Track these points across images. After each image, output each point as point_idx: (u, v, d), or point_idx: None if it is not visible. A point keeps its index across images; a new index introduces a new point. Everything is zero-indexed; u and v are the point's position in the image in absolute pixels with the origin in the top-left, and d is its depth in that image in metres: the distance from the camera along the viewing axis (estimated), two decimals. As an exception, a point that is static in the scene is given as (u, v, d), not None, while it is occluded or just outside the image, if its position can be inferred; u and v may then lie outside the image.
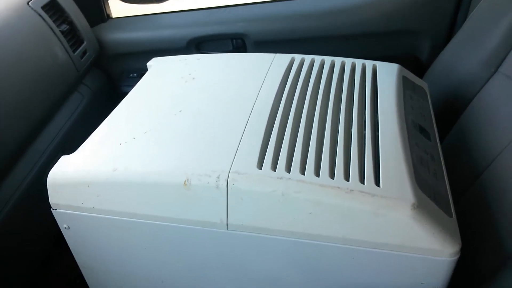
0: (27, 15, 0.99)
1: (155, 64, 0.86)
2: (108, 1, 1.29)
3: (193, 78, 0.77)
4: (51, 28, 1.04)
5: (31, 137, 0.92)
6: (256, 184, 0.54)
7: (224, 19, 1.21)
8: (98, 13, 1.27)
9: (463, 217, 0.59)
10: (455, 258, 0.52)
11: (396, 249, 0.53)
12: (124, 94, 0.77)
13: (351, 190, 0.52)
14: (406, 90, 0.74)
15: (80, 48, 1.13)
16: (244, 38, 1.21)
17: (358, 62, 0.78)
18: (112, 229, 0.62)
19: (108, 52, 1.27)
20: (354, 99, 0.69)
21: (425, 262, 0.52)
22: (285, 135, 0.61)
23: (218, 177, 0.55)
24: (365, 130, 0.63)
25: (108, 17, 1.30)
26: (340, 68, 0.76)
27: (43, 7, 1.04)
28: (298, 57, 0.80)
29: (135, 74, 1.30)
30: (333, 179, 0.54)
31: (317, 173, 0.55)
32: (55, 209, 0.63)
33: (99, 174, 0.59)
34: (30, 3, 1.01)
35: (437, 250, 0.51)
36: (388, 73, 0.76)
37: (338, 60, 0.78)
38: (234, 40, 1.22)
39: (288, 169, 0.55)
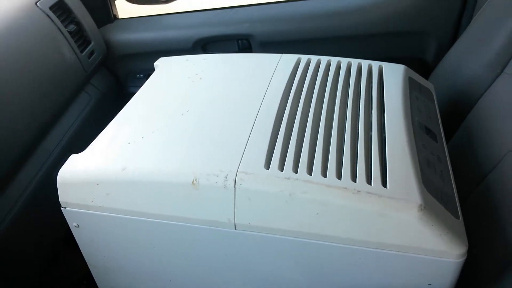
0: (35, 16, 1.00)
1: (162, 64, 0.87)
2: (115, 1, 1.30)
3: (200, 78, 0.78)
4: (58, 29, 1.04)
5: (39, 136, 0.93)
6: (264, 184, 0.55)
7: (230, 20, 1.22)
8: (105, 14, 1.27)
9: (468, 219, 0.59)
10: (462, 259, 0.52)
11: (402, 250, 0.53)
12: (131, 94, 0.78)
13: (358, 191, 0.53)
14: (412, 91, 0.74)
15: (88, 49, 1.14)
16: (250, 39, 1.21)
17: (364, 63, 0.78)
18: (121, 228, 0.63)
19: (115, 53, 1.27)
20: (360, 99, 0.69)
21: (431, 264, 0.53)
22: (292, 136, 0.61)
23: (226, 177, 0.56)
24: (371, 131, 0.63)
25: (115, 17, 1.31)
26: (347, 69, 0.76)
27: (51, 8, 1.05)
28: (304, 58, 0.80)
29: (141, 75, 1.30)
30: (340, 179, 0.54)
31: (324, 174, 0.55)
32: (65, 208, 0.64)
33: (108, 172, 0.59)
34: (38, 3, 1.02)
35: (444, 251, 0.51)
36: (394, 74, 0.76)
37: (344, 61, 0.79)
38: (240, 41, 1.23)
39: (296, 170, 0.56)
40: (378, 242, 0.53)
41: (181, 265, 0.65)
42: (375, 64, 0.78)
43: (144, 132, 0.65)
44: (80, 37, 1.13)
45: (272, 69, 0.77)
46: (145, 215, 0.60)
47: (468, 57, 0.89)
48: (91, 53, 1.15)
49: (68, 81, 1.03)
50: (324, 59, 0.79)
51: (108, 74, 1.29)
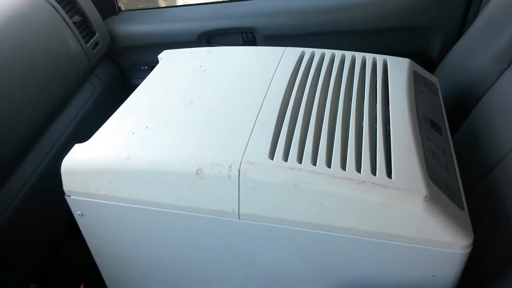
0: (41, 6, 1.00)
1: (166, 56, 0.87)
2: (120, -7, 1.30)
3: (204, 70, 0.78)
4: (64, 19, 1.04)
5: (43, 126, 0.93)
6: (268, 174, 0.54)
7: (235, 13, 1.21)
8: (109, 6, 1.27)
9: (474, 212, 0.59)
10: (467, 251, 0.52)
11: (407, 241, 0.53)
12: (135, 86, 0.78)
13: (363, 182, 0.53)
14: (417, 84, 0.74)
15: (92, 40, 1.14)
16: (254, 32, 1.21)
17: (369, 56, 0.78)
18: (124, 217, 0.63)
19: (119, 45, 1.27)
20: (365, 92, 0.69)
21: (436, 255, 0.53)
22: (297, 127, 0.61)
23: (230, 167, 0.55)
24: (376, 123, 0.63)
25: (120, 9, 1.31)
26: (351, 62, 0.76)
27: (56, -2, 1.05)
28: (308, 51, 0.80)
29: (145, 67, 1.30)
30: (345, 170, 0.54)
31: (328, 164, 0.55)
32: (69, 196, 0.64)
33: (113, 161, 0.59)
34: (43, -6, 1.02)
35: (449, 242, 0.51)
36: (399, 68, 0.76)
37: (348, 54, 0.78)
38: (244, 34, 1.23)
39: (300, 160, 0.56)
40: (382, 232, 0.53)
41: (184, 254, 0.66)
42: (380, 58, 0.78)
43: (148, 122, 0.65)
44: (85, 28, 1.13)
45: (276, 62, 0.77)
46: (149, 204, 0.60)
47: (474, 52, 0.88)
48: (96, 44, 1.15)
49: (72, 72, 1.04)
50: (328, 52, 0.79)
51: (112, 66, 1.29)
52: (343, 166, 0.55)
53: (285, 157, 0.56)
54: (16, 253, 0.82)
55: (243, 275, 0.65)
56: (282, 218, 0.56)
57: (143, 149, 0.60)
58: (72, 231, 0.85)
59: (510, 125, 0.70)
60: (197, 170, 0.56)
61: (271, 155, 0.56)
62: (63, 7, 1.06)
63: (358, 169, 0.54)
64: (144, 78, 0.79)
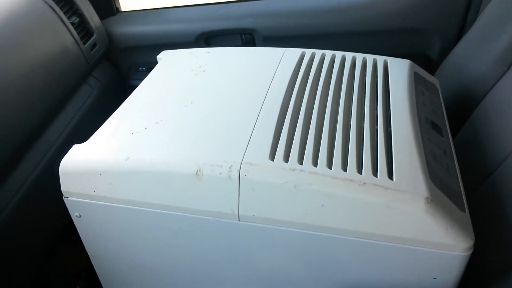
0: (38, 6, 0.99)
1: (165, 57, 0.86)
2: (118, -6, 1.30)
3: (204, 71, 0.77)
4: (61, 20, 1.04)
5: (41, 127, 0.92)
6: (268, 175, 0.54)
7: (234, 14, 1.21)
8: (107, 6, 1.27)
9: (475, 214, 0.59)
10: (468, 253, 0.51)
11: (408, 243, 0.52)
12: (133, 87, 0.77)
13: (364, 183, 0.52)
14: (417, 86, 0.74)
15: (90, 41, 1.13)
16: (254, 34, 1.21)
17: (369, 57, 0.78)
18: (123, 218, 0.62)
19: (117, 45, 1.27)
20: (365, 93, 0.69)
21: (437, 257, 0.52)
22: (297, 127, 0.61)
23: (230, 168, 0.55)
24: (377, 124, 0.62)
25: (118, 10, 1.31)
26: (351, 63, 0.76)
27: (54, -1, 1.04)
28: (308, 52, 0.80)
29: (144, 68, 1.30)
30: (346, 171, 0.54)
31: (329, 165, 0.54)
32: (67, 197, 0.63)
33: (112, 162, 0.59)
34: (41, -6, 1.01)
35: (450, 244, 0.51)
36: (399, 69, 0.76)
37: (349, 55, 0.78)
38: (243, 36, 1.22)
39: (301, 161, 0.55)
40: (383, 234, 0.53)
41: (183, 256, 0.65)
42: (380, 59, 0.78)
43: (147, 123, 0.64)
44: (82, 29, 1.12)
45: (276, 62, 0.77)
46: (148, 206, 0.60)
47: (474, 54, 0.88)
48: (94, 45, 1.15)
49: (70, 73, 1.03)
50: (328, 53, 0.79)
51: (110, 67, 1.28)
52: (344, 167, 0.54)
53: (286, 158, 0.55)
54: (11, 256, 0.82)
55: (242, 277, 0.65)
56: (282, 220, 0.56)
57: (142, 150, 0.59)
58: (68, 234, 0.84)
59: (511, 127, 0.70)
60: (196, 171, 0.56)
61: (272, 156, 0.56)
62: (60, 8, 1.05)
63: (359, 171, 0.54)
64: (142, 79, 0.78)
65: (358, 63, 0.76)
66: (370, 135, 0.60)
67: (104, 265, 0.73)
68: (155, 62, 0.86)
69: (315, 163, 0.55)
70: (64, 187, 0.63)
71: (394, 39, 1.17)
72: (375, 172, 0.54)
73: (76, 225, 0.67)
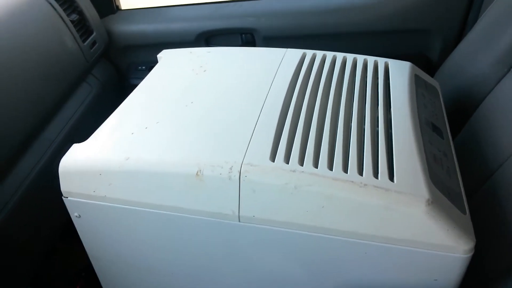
0: (37, 4, 0.99)
1: (165, 56, 0.86)
2: (118, -8, 1.29)
3: (204, 71, 0.77)
4: (61, 17, 1.03)
5: (40, 126, 0.92)
6: (269, 176, 0.54)
7: (234, 13, 1.21)
8: (107, 4, 1.26)
9: (475, 216, 0.59)
10: (469, 255, 0.51)
11: (409, 245, 0.52)
12: (132, 86, 0.77)
13: (365, 185, 0.52)
14: (418, 88, 0.74)
15: (90, 39, 1.13)
16: (254, 33, 1.20)
17: (370, 59, 0.78)
18: (123, 218, 0.62)
19: (117, 44, 1.26)
20: (366, 95, 0.69)
21: (438, 259, 0.52)
22: (298, 129, 0.60)
23: (230, 169, 0.55)
24: (378, 126, 0.62)
25: (118, 8, 1.30)
26: (352, 64, 0.76)
27: (53, -4, 1.04)
28: (309, 53, 0.80)
29: (143, 67, 1.29)
30: (347, 173, 0.54)
31: (330, 167, 0.54)
32: (67, 197, 0.63)
33: (112, 162, 0.59)
34: (41, -9, 1.01)
35: (451, 246, 0.51)
36: (400, 71, 0.76)
37: (350, 57, 0.78)
38: (243, 35, 1.22)
39: (301, 162, 0.55)
40: (384, 236, 0.53)
41: (184, 257, 0.65)
42: (381, 61, 0.78)
43: (147, 123, 0.64)
44: (82, 26, 1.12)
45: (277, 63, 0.76)
46: (148, 206, 0.60)
47: (474, 55, 0.88)
48: (93, 43, 1.14)
49: (69, 71, 1.02)
50: (329, 55, 0.79)
51: (109, 65, 1.28)
52: (345, 168, 0.54)
53: (287, 159, 0.55)
54: (11, 255, 0.81)
55: (242, 278, 0.65)
56: (283, 221, 0.56)
57: (142, 150, 0.59)
58: (68, 234, 0.84)
59: (511, 129, 0.70)
60: (197, 172, 0.55)
61: (272, 157, 0.56)
62: (60, 5, 1.04)
63: (360, 172, 0.54)
64: (141, 78, 0.78)
65: (359, 65, 0.76)
66: (371, 137, 0.60)
67: (104, 265, 0.73)
68: (155, 61, 0.86)
69: (315, 164, 0.55)
70: (64, 187, 0.63)
71: (395, 40, 1.17)
72: (376, 174, 0.54)
73: (75, 225, 0.67)
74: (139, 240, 0.65)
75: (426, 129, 0.64)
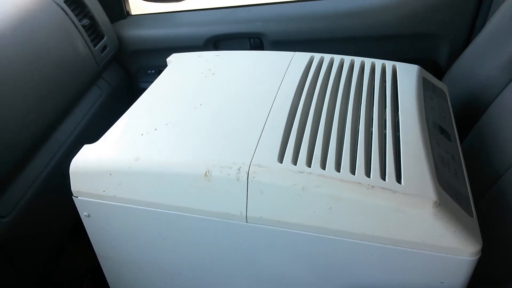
0: (50, 9, 1.01)
1: (175, 60, 0.87)
2: (128, -2, 1.31)
3: (213, 74, 0.78)
4: (73, 22, 1.05)
5: (51, 128, 0.93)
6: (277, 178, 0.54)
7: (242, 18, 1.22)
8: (118, 10, 1.28)
9: (482, 219, 0.59)
10: (476, 257, 0.51)
11: (416, 247, 0.52)
12: (142, 90, 0.78)
13: (372, 186, 0.52)
14: (426, 91, 0.74)
15: (101, 43, 1.14)
16: (262, 38, 1.21)
17: (378, 62, 0.78)
18: (132, 218, 0.63)
19: (127, 48, 1.28)
20: (374, 98, 0.69)
21: (445, 261, 0.52)
22: (306, 131, 0.61)
23: (239, 169, 0.55)
24: (385, 128, 0.63)
25: (128, 14, 1.32)
26: (360, 67, 0.76)
27: (65, 1, 1.06)
28: (317, 56, 0.80)
29: (153, 71, 1.31)
30: (354, 174, 0.54)
31: (338, 169, 0.55)
32: (77, 197, 0.64)
33: (121, 162, 0.59)
34: (53, -3, 1.03)
35: (458, 249, 0.51)
36: (408, 74, 0.76)
37: (357, 60, 0.79)
38: (252, 40, 1.23)
39: (309, 164, 0.55)
40: (391, 238, 0.53)
41: (191, 257, 0.65)
42: (389, 64, 0.78)
43: (157, 124, 0.65)
44: (93, 31, 1.14)
45: (285, 66, 0.77)
46: (157, 206, 0.60)
47: (482, 59, 0.88)
48: (104, 47, 1.16)
49: (80, 75, 1.04)
50: (337, 58, 0.79)
51: (119, 69, 1.29)
52: (353, 170, 0.55)
53: (294, 161, 0.56)
54: (20, 254, 0.82)
55: (249, 279, 0.65)
56: (290, 222, 0.56)
57: (152, 151, 0.60)
58: (75, 235, 0.85)
59: (519, 133, 0.70)
60: (205, 172, 0.56)
61: (280, 159, 0.56)
62: (72, 10, 1.07)
63: (368, 174, 0.54)
64: (151, 82, 0.79)
65: (366, 68, 0.76)
66: (379, 139, 0.60)
67: (112, 265, 0.73)
68: (164, 65, 0.87)
69: (323, 166, 0.55)
70: (74, 186, 0.63)
71: (403, 44, 1.17)
72: (383, 176, 0.54)
73: (84, 225, 0.68)
74: (147, 240, 0.65)
75: (434, 132, 0.64)
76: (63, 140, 0.96)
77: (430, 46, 1.16)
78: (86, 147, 0.64)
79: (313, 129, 0.61)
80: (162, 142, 0.61)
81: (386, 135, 0.61)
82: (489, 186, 0.70)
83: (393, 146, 0.59)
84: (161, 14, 1.32)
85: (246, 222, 0.58)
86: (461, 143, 0.79)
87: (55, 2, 1.03)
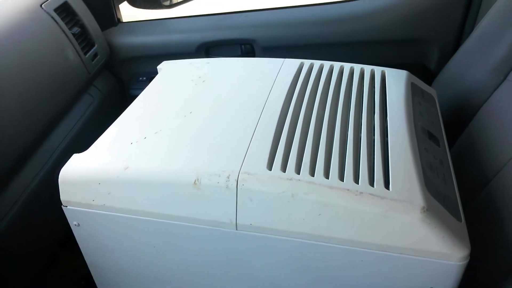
0: (40, 17, 1.00)
1: (165, 67, 0.87)
2: (119, 5, 1.31)
3: (204, 81, 0.78)
4: (63, 31, 1.05)
5: (41, 137, 0.93)
6: (266, 185, 0.54)
7: (234, 24, 1.22)
8: (109, 17, 1.28)
9: (471, 224, 0.59)
10: (464, 262, 0.52)
11: (405, 252, 0.53)
12: (133, 97, 0.78)
13: (361, 193, 0.53)
14: (415, 96, 0.74)
15: (91, 51, 1.14)
16: (253, 44, 1.22)
17: (367, 68, 0.79)
18: (121, 227, 0.63)
19: (118, 56, 1.28)
20: (363, 104, 0.69)
21: (433, 266, 0.52)
22: (295, 137, 0.61)
23: (228, 177, 0.55)
24: (374, 134, 0.63)
25: (119, 21, 1.32)
26: (349, 74, 0.77)
27: (55, 10, 1.06)
28: (307, 62, 0.81)
29: (144, 78, 1.31)
30: (343, 181, 0.54)
31: (326, 175, 0.55)
32: (66, 206, 0.64)
33: (111, 172, 0.59)
34: (43, 5, 1.03)
35: (446, 254, 0.51)
36: (396, 79, 0.76)
37: (347, 66, 0.79)
38: (243, 46, 1.23)
39: (298, 171, 0.56)
40: (380, 244, 0.53)
41: (182, 265, 0.65)
42: (378, 69, 0.78)
43: (146, 133, 0.65)
44: (84, 39, 1.14)
45: (275, 73, 0.77)
46: (147, 215, 0.60)
47: (471, 64, 0.89)
48: (95, 55, 1.16)
49: (71, 83, 1.04)
50: (327, 64, 0.80)
51: (110, 77, 1.29)
52: (341, 177, 0.55)
53: (283, 168, 0.56)
54: (12, 263, 0.82)
55: (240, 286, 0.65)
56: (280, 229, 0.56)
57: (141, 160, 0.60)
58: (68, 243, 0.84)
59: (507, 137, 0.70)
60: (195, 181, 0.56)
61: (269, 166, 0.56)
62: (62, 19, 1.06)
63: (356, 180, 0.54)
64: (142, 89, 0.79)
65: (356, 74, 0.77)
66: (367, 145, 0.60)
67: (103, 273, 0.73)
68: (156, 72, 0.87)
69: (312, 173, 0.55)
70: (63, 196, 0.63)
71: (393, 49, 1.18)
72: (371, 182, 0.54)
73: (74, 234, 0.68)
74: (137, 249, 0.65)
75: (422, 137, 0.65)
76: (54, 149, 0.95)
77: (419, 51, 1.17)
78: (75, 156, 0.64)
79: (302, 136, 0.62)
80: (152, 150, 0.61)
81: (375, 141, 0.61)
82: (479, 190, 0.70)
83: (382, 152, 0.59)
84: (152, 21, 1.32)
85: (236, 229, 0.58)
86: (450, 148, 0.80)
87: (44, 10, 1.02)
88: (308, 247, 0.56)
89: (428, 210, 0.51)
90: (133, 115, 0.71)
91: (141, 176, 0.58)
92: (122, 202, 0.60)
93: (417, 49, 1.17)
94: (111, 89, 1.25)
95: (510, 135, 0.70)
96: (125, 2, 1.32)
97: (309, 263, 0.58)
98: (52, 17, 1.03)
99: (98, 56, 1.18)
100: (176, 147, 0.61)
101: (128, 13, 1.34)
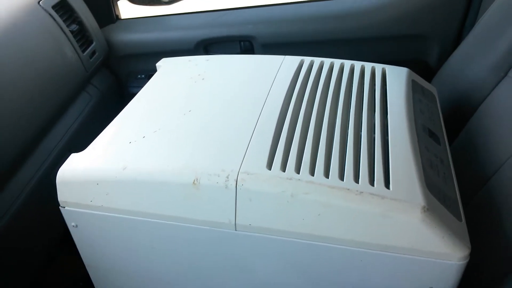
0: (37, 15, 1.00)
1: (164, 65, 0.86)
2: (118, 2, 1.30)
3: (203, 79, 0.77)
4: (61, 28, 1.04)
5: (39, 135, 0.92)
6: (265, 185, 0.54)
7: (233, 21, 1.21)
8: (107, 14, 1.27)
9: (471, 222, 0.59)
10: (464, 262, 0.51)
11: (405, 252, 0.52)
12: (132, 95, 0.77)
13: (361, 192, 0.52)
14: (415, 94, 0.74)
15: (89, 49, 1.13)
16: (252, 41, 1.21)
17: (368, 65, 0.78)
18: (120, 228, 0.62)
19: (117, 53, 1.27)
20: (363, 101, 0.69)
21: (434, 266, 0.52)
22: (295, 137, 0.61)
23: (227, 177, 0.55)
24: (374, 133, 0.62)
25: (117, 18, 1.31)
26: (350, 71, 0.76)
27: (53, 7, 1.05)
28: (307, 60, 0.80)
29: (143, 75, 1.30)
30: (343, 180, 0.54)
31: (326, 175, 0.55)
32: (64, 207, 0.63)
33: (109, 172, 0.59)
34: (40, 2, 1.02)
35: (446, 253, 0.51)
36: (397, 77, 0.76)
37: (347, 63, 0.78)
38: (242, 43, 1.23)
39: (298, 170, 0.55)
40: (380, 244, 0.53)
41: (180, 266, 0.65)
42: (378, 67, 0.78)
43: (145, 132, 0.64)
44: (82, 36, 1.13)
45: (275, 70, 0.77)
46: (145, 215, 0.60)
47: (471, 60, 0.88)
48: (93, 53, 1.15)
49: (69, 81, 1.03)
50: (327, 61, 0.79)
51: (109, 74, 1.28)
52: (341, 176, 0.55)
53: (283, 167, 0.56)
54: (10, 263, 0.82)
55: (239, 286, 0.65)
56: (279, 229, 0.56)
57: (139, 159, 0.59)
58: (66, 244, 0.84)
59: (508, 134, 0.70)
60: (194, 181, 0.56)
61: (269, 165, 0.56)
62: (60, 16, 1.06)
63: (356, 180, 0.54)
64: (141, 87, 0.79)
65: (356, 71, 0.76)
66: (367, 144, 0.60)
67: (101, 274, 0.73)
68: (154, 70, 0.87)
69: (312, 172, 0.55)
70: (61, 196, 0.63)
71: (393, 46, 1.17)
72: (372, 181, 0.54)
73: (72, 235, 0.67)
74: (135, 249, 0.65)
75: (423, 135, 0.64)
76: (52, 148, 0.95)
77: (420, 47, 1.16)
78: (73, 156, 0.63)
79: (302, 135, 0.61)
80: (150, 150, 0.61)
81: (375, 140, 0.61)
82: (478, 188, 0.70)
83: (382, 151, 0.59)
84: (151, 18, 1.31)
85: (235, 230, 0.57)
86: (450, 145, 0.80)
87: (42, 7, 1.02)
88: (308, 247, 0.56)
89: (429, 209, 0.50)
90: (131, 113, 0.71)
91: (140, 176, 0.58)
92: (121, 203, 0.60)
93: (418, 46, 1.16)
94: (109, 87, 1.25)
95: (510, 132, 0.70)
96: (124, -1, 1.31)
97: (309, 263, 0.58)
98: (50, 14, 1.03)
99: (96, 54, 1.17)
100: (175, 147, 0.61)
101: (126, 9, 1.33)
